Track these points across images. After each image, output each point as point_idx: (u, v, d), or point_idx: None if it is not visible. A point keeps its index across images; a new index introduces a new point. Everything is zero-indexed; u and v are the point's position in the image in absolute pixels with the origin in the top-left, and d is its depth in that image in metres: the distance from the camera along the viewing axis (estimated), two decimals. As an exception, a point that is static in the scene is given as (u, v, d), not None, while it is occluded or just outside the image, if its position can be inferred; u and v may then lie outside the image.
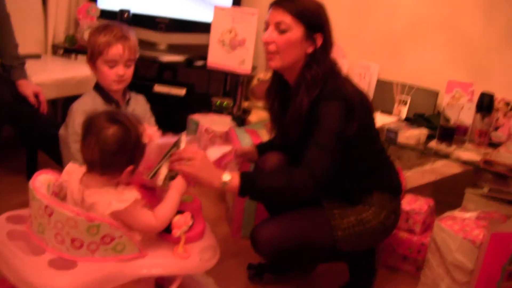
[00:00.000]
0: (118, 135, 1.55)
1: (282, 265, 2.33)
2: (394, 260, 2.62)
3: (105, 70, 2.14)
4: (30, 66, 3.16)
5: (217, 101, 3.76)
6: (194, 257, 1.67)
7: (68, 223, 1.50)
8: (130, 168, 1.59)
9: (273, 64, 2.01)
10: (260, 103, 3.50)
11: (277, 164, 2.20)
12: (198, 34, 3.74)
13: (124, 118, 1.59)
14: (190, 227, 1.68)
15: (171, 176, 1.75)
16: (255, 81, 3.73)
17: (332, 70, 2.00)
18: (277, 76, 2.12)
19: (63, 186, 1.67)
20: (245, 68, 3.55)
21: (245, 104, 3.66)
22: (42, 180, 1.66)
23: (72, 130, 2.13)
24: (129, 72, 2.20)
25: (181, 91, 3.64)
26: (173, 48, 3.83)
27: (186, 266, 1.66)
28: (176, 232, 1.64)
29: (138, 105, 2.33)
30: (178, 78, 4.06)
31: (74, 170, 1.64)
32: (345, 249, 2.02)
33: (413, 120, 3.13)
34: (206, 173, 1.79)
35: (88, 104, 2.16)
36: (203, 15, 3.70)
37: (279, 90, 2.14)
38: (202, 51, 3.67)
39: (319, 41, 1.96)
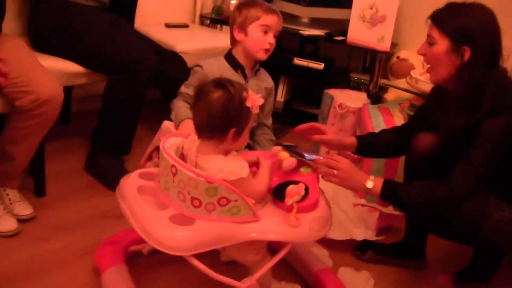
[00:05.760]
0: (223, 98, 1.66)
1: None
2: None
3: (259, 36, 2.31)
4: (178, 35, 3.37)
5: (355, 77, 3.78)
6: (305, 226, 1.75)
7: (189, 183, 1.63)
8: (233, 130, 1.68)
9: (431, 78, 2.01)
10: (398, 82, 3.47)
11: (429, 149, 2.11)
12: (340, 9, 3.76)
13: (228, 83, 1.68)
14: (303, 198, 1.75)
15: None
16: (394, 59, 3.70)
17: (493, 84, 1.87)
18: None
19: (185, 154, 1.80)
20: (384, 45, 3.52)
21: (383, 82, 3.64)
22: (172, 142, 1.80)
23: (187, 81, 2.38)
24: (274, 45, 2.34)
25: (320, 65, 3.68)
26: (315, 22, 3.87)
27: (295, 234, 1.74)
28: (288, 201, 1.72)
29: (263, 81, 2.45)
30: (319, 52, 4.10)
31: (195, 140, 1.77)
32: (487, 239, 1.95)
33: None
34: (350, 182, 1.91)
35: (214, 66, 2.36)
36: (347, -11, 3.71)
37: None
38: (343, 26, 3.69)
39: (467, 55, 1.86)
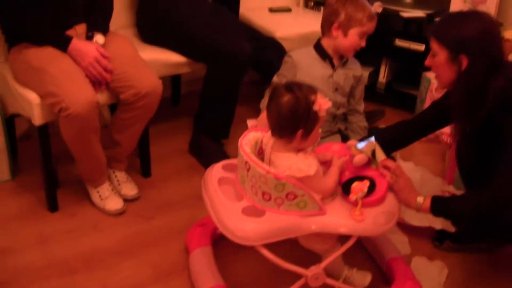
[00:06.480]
0: (290, 102, 1.78)
1: (474, 236, 2.39)
2: None
3: (355, 40, 2.44)
4: (279, 20, 3.50)
5: (458, 57, 3.72)
6: (369, 220, 1.86)
7: (260, 179, 1.79)
8: (300, 131, 1.79)
9: (438, 85, 2.13)
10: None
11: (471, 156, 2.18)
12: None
13: (297, 88, 1.80)
14: (368, 194, 1.86)
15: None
16: (498, 40, 3.61)
17: (499, 86, 1.90)
18: None
19: (263, 149, 1.95)
20: (486, 27, 3.45)
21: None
22: (250, 138, 1.96)
23: (279, 71, 2.54)
24: None
25: (421, 47, 3.67)
26: (418, 2, 3.84)
27: (359, 227, 1.86)
28: (352, 197, 1.84)
29: (352, 69, 2.54)
30: (422, 32, 4.06)
31: (270, 137, 1.91)
32: None
33: None
34: (404, 194, 1.98)
35: (303, 56, 2.49)
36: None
37: None
38: (445, 6, 3.64)
39: (464, 63, 1.92)
